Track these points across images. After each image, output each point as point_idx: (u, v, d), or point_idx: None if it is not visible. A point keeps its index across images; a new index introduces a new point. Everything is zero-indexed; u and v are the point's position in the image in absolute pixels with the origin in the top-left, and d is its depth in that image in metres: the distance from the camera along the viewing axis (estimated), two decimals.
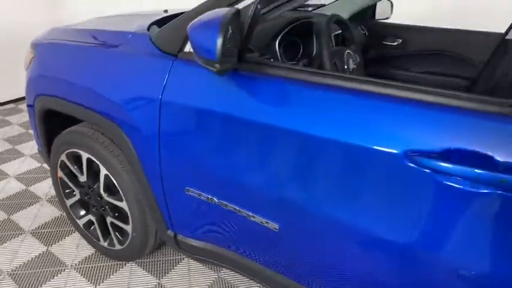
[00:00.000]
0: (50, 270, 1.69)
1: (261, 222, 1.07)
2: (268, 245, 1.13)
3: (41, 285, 1.61)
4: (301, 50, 1.55)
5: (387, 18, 2.35)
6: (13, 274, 1.65)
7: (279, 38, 1.35)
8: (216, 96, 1.05)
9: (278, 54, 1.36)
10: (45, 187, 2.30)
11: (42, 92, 1.57)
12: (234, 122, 1.03)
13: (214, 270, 1.70)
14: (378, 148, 0.82)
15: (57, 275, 1.66)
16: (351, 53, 1.45)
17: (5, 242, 1.84)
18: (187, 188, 1.21)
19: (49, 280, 1.64)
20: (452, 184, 0.75)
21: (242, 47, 1.00)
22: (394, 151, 0.80)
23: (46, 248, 1.82)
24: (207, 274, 1.69)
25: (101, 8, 3.65)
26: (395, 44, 2.19)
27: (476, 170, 0.71)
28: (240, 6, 1.01)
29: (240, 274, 1.35)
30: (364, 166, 0.86)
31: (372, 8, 2.28)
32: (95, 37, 1.46)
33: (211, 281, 1.65)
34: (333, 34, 1.69)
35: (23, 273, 1.66)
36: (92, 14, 2.76)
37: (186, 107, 1.10)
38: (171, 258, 1.77)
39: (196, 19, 0.89)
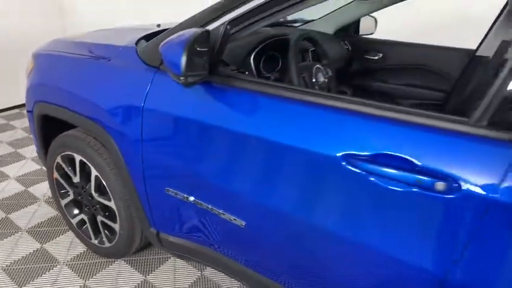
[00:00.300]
0: (43, 266, 1.80)
1: (230, 219, 1.18)
2: (239, 241, 1.24)
3: (33, 280, 1.72)
4: (280, 63, 1.67)
5: (371, 34, 2.48)
6: (7, 269, 1.76)
7: (253, 54, 1.48)
8: (191, 105, 1.17)
9: (253, 68, 1.48)
10: (44, 188, 2.42)
11: (41, 99, 1.70)
12: (206, 128, 1.15)
13: (198, 269, 1.80)
14: (325, 153, 0.93)
15: (49, 271, 1.77)
16: (320, 67, 1.57)
17: (2, 240, 1.96)
18: (166, 188, 1.32)
19: (41, 275, 1.74)
20: (382, 184, 0.86)
21: (214, 62, 1.12)
22: (337, 155, 0.91)
23: (40, 245, 1.93)
24: (191, 272, 1.78)
25: (104, 18, 3.83)
26: (376, 58, 2.31)
27: (399, 172, 0.82)
28: (212, 26, 1.14)
29: (220, 272, 1.45)
30: (316, 169, 0.97)
31: (356, 24, 2.40)
32: (90, 50, 1.59)
33: (195, 279, 1.75)
34: (310, 50, 1.81)
35: (17, 269, 1.77)
36: (95, 23, 2.91)
37: (165, 114, 1.22)
38: (158, 257, 1.87)
39: (168, 37, 1.02)
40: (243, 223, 1.16)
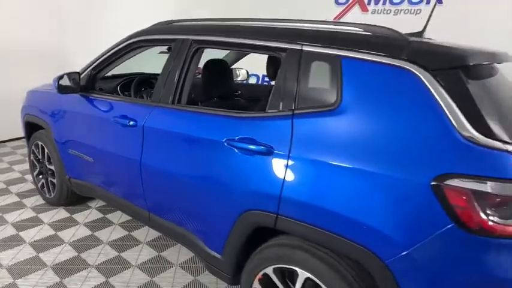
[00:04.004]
0: (12, 207, 3.12)
1: (88, 159, 2.48)
2: (94, 171, 2.52)
3: (6, 220, 3.03)
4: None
5: (244, 80, 3.82)
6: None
7: (119, 86, 2.88)
8: (75, 105, 2.55)
9: (119, 92, 2.87)
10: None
11: (26, 113, 3.18)
12: (80, 115, 2.51)
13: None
14: (108, 117, 2.24)
15: (16, 211, 3.08)
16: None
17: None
18: (69, 149, 2.66)
19: (10, 212, 3.05)
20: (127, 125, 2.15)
21: (87, 86, 2.51)
22: (112, 117, 2.22)
23: (19, 199, 3.28)
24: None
25: None
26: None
27: (124, 120, 2.12)
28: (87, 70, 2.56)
29: (104, 202, 2.68)
30: (111, 124, 2.26)
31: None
32: (49, 86, 3.06)
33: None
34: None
35: (3, 208, 3.11)
36: None
37: (66, 110, 2.62)
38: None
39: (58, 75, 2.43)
40: (92, 159, 2.45)
